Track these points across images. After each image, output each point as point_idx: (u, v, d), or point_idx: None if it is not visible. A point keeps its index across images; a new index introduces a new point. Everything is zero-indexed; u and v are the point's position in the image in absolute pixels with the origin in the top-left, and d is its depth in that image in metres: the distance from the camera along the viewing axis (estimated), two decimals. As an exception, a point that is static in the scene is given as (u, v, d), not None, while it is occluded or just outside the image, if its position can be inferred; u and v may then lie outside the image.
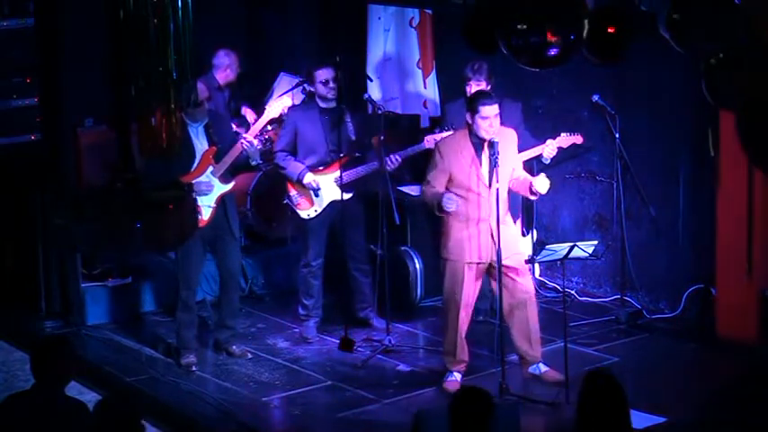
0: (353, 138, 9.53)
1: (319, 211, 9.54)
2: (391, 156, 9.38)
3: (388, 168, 9.39)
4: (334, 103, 9.48)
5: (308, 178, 9.45)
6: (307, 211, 9.57)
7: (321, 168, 9.49)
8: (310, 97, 9.89)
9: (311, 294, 9.72)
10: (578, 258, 8.48)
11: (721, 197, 9.31)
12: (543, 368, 8.63)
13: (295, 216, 9.70)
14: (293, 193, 9.58)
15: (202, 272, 9.63)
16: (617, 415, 5.70)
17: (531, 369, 8.66)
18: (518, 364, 8.87)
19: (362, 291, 9.78)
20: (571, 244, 8.30)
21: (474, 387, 5.99)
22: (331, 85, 9.43)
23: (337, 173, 9.44)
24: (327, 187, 9.49)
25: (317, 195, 9.50)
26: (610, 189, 10.01)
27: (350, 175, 9.47)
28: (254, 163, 9.28)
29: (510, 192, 8.64)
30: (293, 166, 9.51)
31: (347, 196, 9.50)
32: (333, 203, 9.51)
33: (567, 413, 8.08)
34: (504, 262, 8.39)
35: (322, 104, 9.51)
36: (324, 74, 9.43)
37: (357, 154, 9.51)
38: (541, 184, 8.52)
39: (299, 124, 9.56)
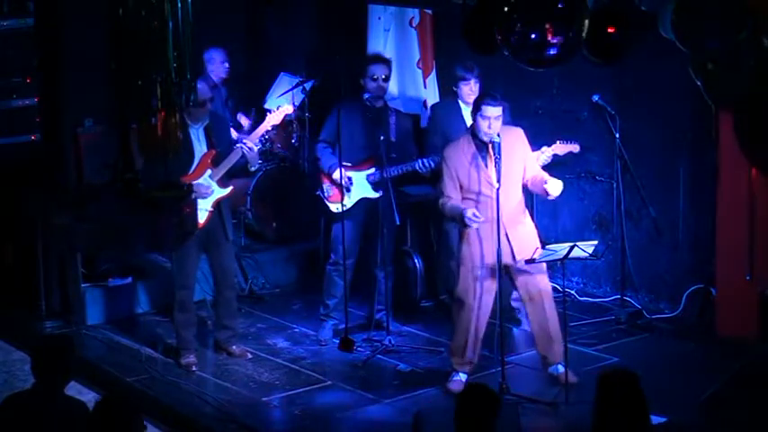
0: (393, 138, 9.49)
1: (349, 206, 9.47)
2: (423, 160, 9.38)
3: (422, 172, 9.39)
4: (381, 101, 9.48)
5: (338, 173, 9.43)
6: (336, 205, 9.51)
7: (353, 164, 9.46)
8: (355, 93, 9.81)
9: (334, 294, 9.65)
10: (578, 258, 8.48)
11: (721, 197, 9.31)
12: (561, 369, 8.53)
13: (325, 209, 9.65)
14: (326, 185, 9.55)
15: (202, 272, 9.63)
16: (638, 416, 5.58)
17: (550, 370, 8.60)
18: (520, 365, 8.89)
19: (381, 292, 9.73)
20: (571, 244, 8.30)
21: (481, 384, 5.96)
22: (381, 83, 9.41)
23: (371, 170, 9.45)
24: (359, 184, 9.47)
25: (347, 190, 9.48)
26: (610, 189, 10.01)
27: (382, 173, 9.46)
28: (252, 168, 9.29)
29: (525, 189, 8.64)
30: (327, 159, 9.48)
31: (377, 195, 9.48)
32: (363, 201, 9.50)
33: (567, 413, 8.09)
34: (518, 261, 8.40)
35: (369, 102, 9.46)
36: (375, 70, 9.39)
37: (393, 155, 9.45)
38: (553, 186, 8.47)
39: (343, 117, 9.48)
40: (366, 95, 9.47)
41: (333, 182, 9.47)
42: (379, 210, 9.48)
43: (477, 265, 8.47)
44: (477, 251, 8.46)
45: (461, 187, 8.47)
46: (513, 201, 8.43)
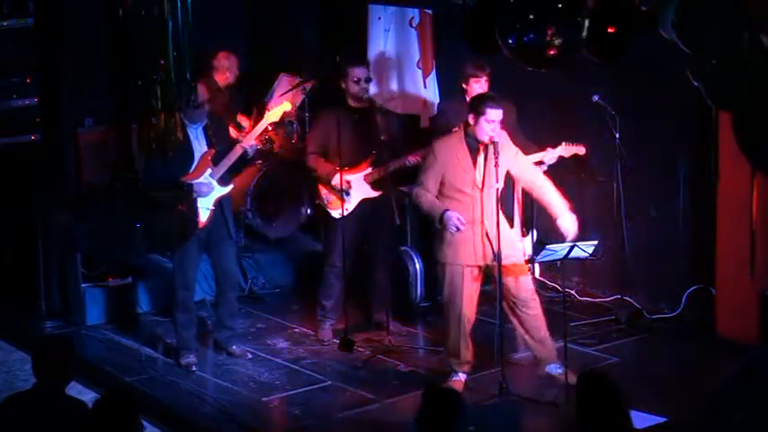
0: (383, 136, 9.50)
1: (350, 209, 9.49)
2: (411, 156, 9.38)
3: (409, 164, 9.38)
4: (365, 102, 9.47)
5: (337, 179, 9.42)
6: (338, 210, 9.53)
7: (350, 168, 9.46)
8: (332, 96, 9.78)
9: (331, 295, 9.68)
10: (578, 258, 8.48)
11: (721, 197, 9.31)
12: (559, 368, 8.49)
13: (327, 216, 9.64)
14: (324, 192, 9.56)
15: (201, 272, 9.63)
16: (616, 415, 5.62)
17: (547, 369, 8.58)
18: (520, 365, 8.88)
19: (383, 292, 9.74)
20: (571, 244, 8.30)
21: (443, 387, 5.95)
22: (363, 84, 9.42)
23: (368, 170, 9.44)
24: (358, 186, 9.46)
25: (347, 194, 9.48)
26: (610, 189, 10.01)
27: (379, 172, 9.45)
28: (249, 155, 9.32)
29: (504, 192, 8.63)
30: (323, 168, 9.48)
31: (377, 194, 9.49)
32: (364, 202, 9.50)
33: (566, 413, 8.08)
34: (503, 262, 8.38)
35: (352, 103, 9.48)
36: (358, 72, 9.41)
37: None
38: (567, 222, 8.45)
39: (330, 124, 9.51)
40: (350, 98, 9.47)
41: (331, 189, 9.48)
42: (378, 210, 9.49)
43: (461, 265, 8.45)
44: (458, 252, 8.43)
45: (444, 183, 8.45)
46: (493, 202, 8.42)
